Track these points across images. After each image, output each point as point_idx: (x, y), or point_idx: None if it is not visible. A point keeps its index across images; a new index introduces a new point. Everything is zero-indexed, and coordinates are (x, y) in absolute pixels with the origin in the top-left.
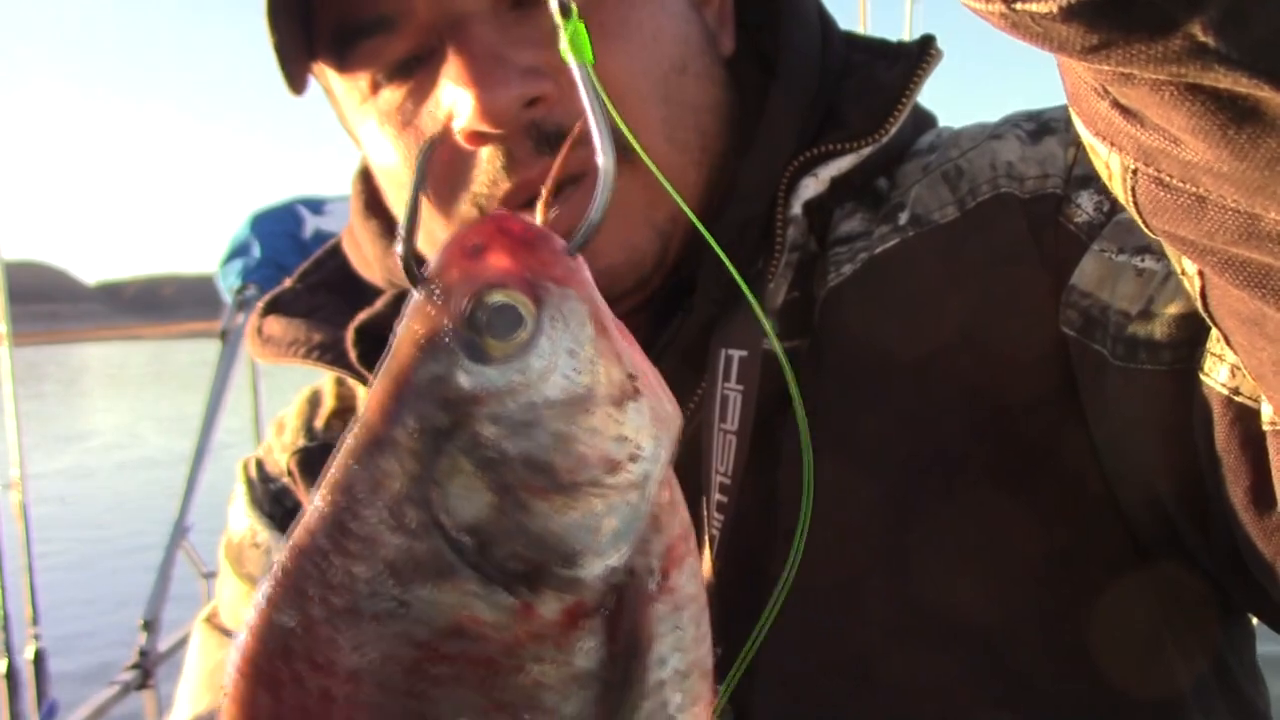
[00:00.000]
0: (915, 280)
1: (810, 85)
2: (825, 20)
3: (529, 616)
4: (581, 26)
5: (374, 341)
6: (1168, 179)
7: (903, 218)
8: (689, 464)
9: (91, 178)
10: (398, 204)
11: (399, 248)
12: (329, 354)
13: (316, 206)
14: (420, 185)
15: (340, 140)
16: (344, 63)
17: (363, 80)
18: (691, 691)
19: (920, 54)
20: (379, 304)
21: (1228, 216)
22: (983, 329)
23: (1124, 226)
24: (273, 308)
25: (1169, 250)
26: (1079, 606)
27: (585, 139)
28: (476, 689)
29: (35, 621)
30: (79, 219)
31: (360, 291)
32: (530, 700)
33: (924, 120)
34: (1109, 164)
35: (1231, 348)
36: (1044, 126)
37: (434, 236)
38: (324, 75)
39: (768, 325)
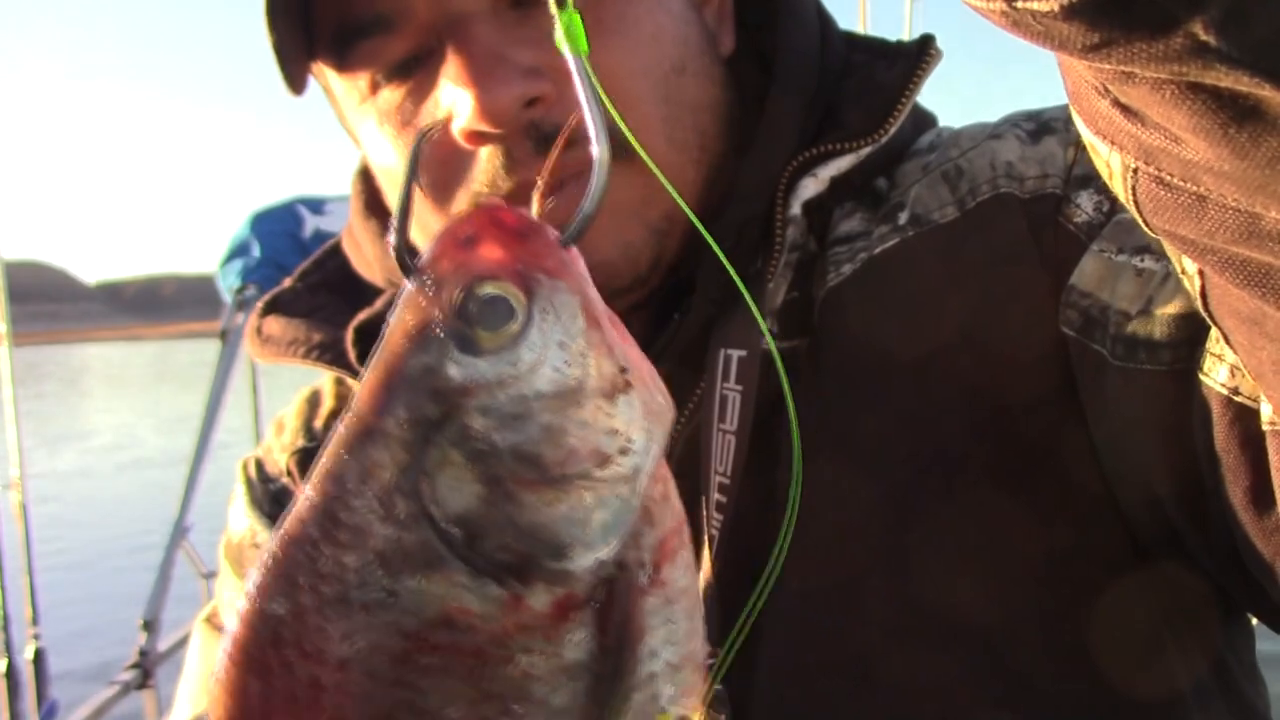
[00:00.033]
0: (915, 280)
1: (809, 85)
2: (825, 20)
3: (518, 608)
4: (577, 17)
5: (374, 341)
6: (1168, 178)
7: (902, 218)
8: (688, 464)
9: (92, 177)
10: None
11: (391, 237)
12: (328, 354)
13: (316, 206)
14: (413, 175)
15: (340, 139)
16: (343, 63)
17: (362, 80)
18: (684, 684)
19: (920, 54)
20: (379, 304)
21: (1228, 215)
22: (982, 329)
23: (1124, 226)
24: (272, 307)
25: (1169, 249)
26: (1079, 606)
27: (583, 134)
28: (465, 679)
29: (35, 621)
30: (79, 218)
31: (360, 291)
32: (519, 691)
33: (924, 120)
34: (1109, 163)
35: (1231, 347)
36: (1044, 126)
37: (431, 234)
38: (323, 75)
39: (764, 325)
